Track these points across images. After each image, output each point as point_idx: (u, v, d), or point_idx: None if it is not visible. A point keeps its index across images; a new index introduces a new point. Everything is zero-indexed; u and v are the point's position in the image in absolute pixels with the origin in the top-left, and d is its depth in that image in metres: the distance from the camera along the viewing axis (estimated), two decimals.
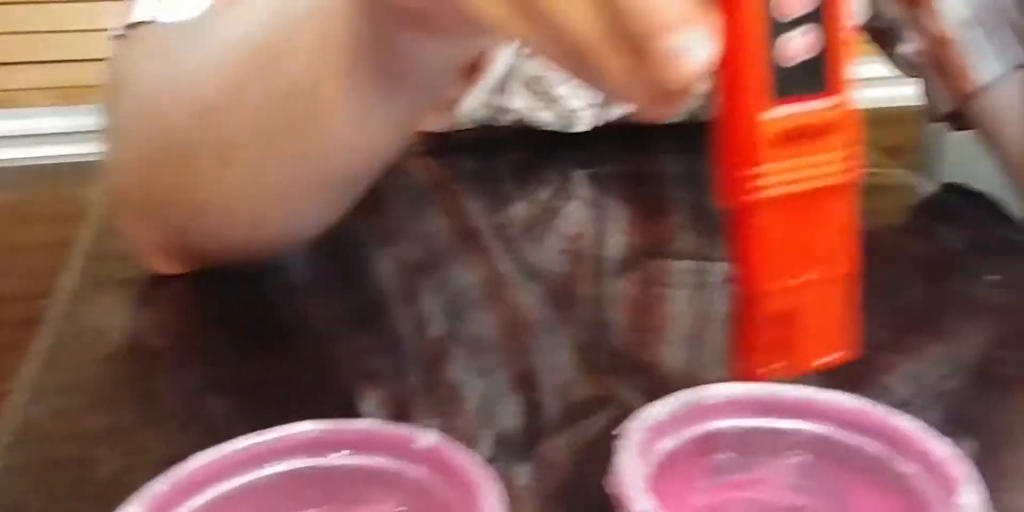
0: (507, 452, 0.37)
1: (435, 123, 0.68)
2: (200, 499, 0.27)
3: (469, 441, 0.37)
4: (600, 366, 0.44)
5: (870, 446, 0.30)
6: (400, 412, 0.40)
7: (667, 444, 0.30)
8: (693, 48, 0.22)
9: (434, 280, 0.52)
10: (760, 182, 0.23)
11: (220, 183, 0.43)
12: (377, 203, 0.61)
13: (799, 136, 0.22)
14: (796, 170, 0.23)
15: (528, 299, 0.50)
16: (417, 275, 0.53)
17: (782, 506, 0.31)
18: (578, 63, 0.24)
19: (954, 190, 0.66)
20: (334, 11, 0.36)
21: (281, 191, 0.43)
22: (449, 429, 0.38)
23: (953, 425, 0.37)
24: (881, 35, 0.67)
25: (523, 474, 0.35)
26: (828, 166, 0.23)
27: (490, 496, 0.26)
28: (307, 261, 0.53)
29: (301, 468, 0.28)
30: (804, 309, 0.24)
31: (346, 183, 0.44)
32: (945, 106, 0.61)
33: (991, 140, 0.59)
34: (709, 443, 0.30)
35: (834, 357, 0.25)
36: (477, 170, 0.66)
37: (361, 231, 0.57)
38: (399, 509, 0.28)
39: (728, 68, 0.22)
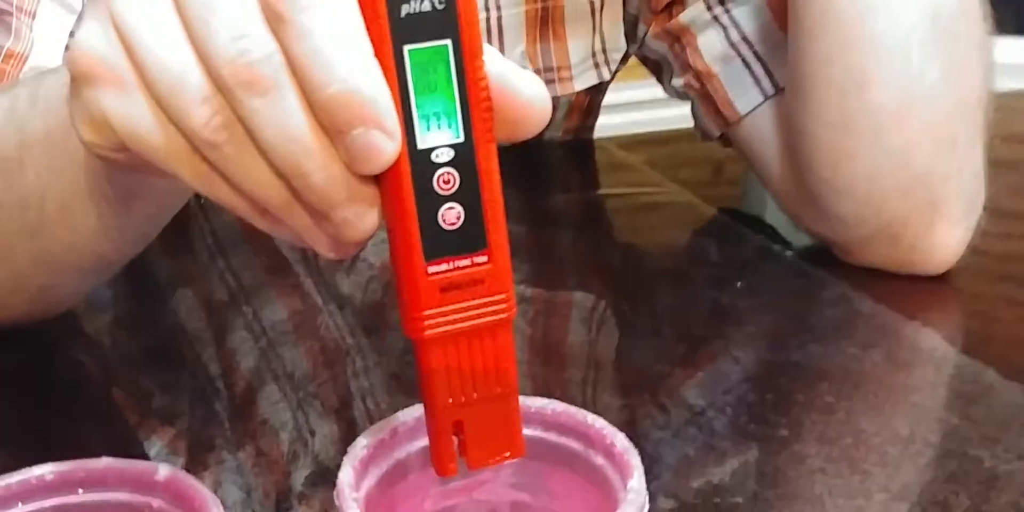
0: (324, 480, 0.40)
1: None
2: None
3: (284, 472, 0.40)
4: (415, 390, 0.47)
5: (570, 444, 0.34)
6: (200, 448, 0.42)
7: (397, 455, 0.34)
8: (361, 217, 0.27)
9: (242, 315, 0.54)
10: (427, 323, 0.28)
11: None
12: (182, 244, 0.63)
13: (458, 286, 0.28)
14: (458, 313, 0.28)
15: (340, 328, 0.52)
16: (224, 311, 0.55)
17: (505, 502, 0.35)
18: (267, 220, 0.29)
19: (729, 212, 0.72)
20: (71, 134, 0.36)
21: (21, 283, 0.44)
22: (261, 461, 0.41)
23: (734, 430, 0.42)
24: (652, 64, 0.73)
25: None
26: (486, 308, 0.28)
27: None
28: (102, 305, 0.55)
29: (47, 507, 0.31)
30: (472, 421, 0.30)
31: (92, 271, 0.45)
32: (713, 131, 0.67)
33: (753, 163, 0.65)
34: None
35: (503, 457, 0.31)
36: None
37: (164, 272, 0.59)
38: None
39: (394, 231, 0.27)
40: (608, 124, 0.85)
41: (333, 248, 0.29)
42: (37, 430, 0.44)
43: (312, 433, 0.43)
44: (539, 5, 0.68)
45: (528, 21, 0.67)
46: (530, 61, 0.70)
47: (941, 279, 0.57)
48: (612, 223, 0.71)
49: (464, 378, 0.29)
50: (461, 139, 0.27)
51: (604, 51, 0.72)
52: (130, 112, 0.28)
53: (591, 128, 0.83)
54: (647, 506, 0.30)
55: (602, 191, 0.75)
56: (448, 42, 0.26)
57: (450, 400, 0.29)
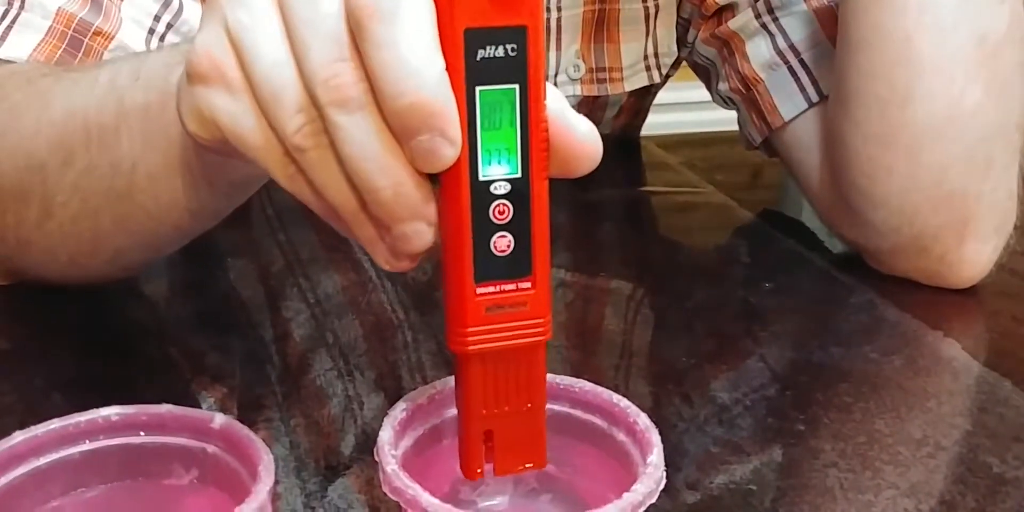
0: (366, 444, 0.41)
1: None
2: (18, 472, 0.31)
3: (328, 433, 0.42)
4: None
5: (595, 421, 0.36)
6: (249, 407, 0.44)
7: (433, 421, 0.36)
8: (419, 234, 0.30)
9: (297, 286, 0.57)
10: (470, 339, 0.30)
11: (42, 229, 0.46)
12: (241, 216, 0.66)
13: (502, 307, 0.30)
14: (499, 332, 0.30)
15: (391, 303, 0.55)
16: (279, 282, 0.57)
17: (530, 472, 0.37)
18: (339, 224, 0.32)
19: (768, 215, 0.74)
20: (167, 110, 0.39)
21: (100, 244, 0.47)
22: (310, 426, 0.43)
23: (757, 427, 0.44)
24: (702, 70, 0.75)
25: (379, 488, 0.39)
26: (525, 330, 0.31)
27: (267, 465, 0.31)
28: (160, 270, 0.57)
29: (111, 446, 0.33)
30: (501, 431, 0.32)
31: (167, 239, 0.47)
32: (756, 138, 0.69)
33: (793, 168, 0.67)
34: None
35: (526, 467, 0.33)
36: None
37: (224, 243, 0.62)
38: (192, 478, 0.33)
39: (449, 253, 0.30)
40: (650, 123, 0.87)
41: (389, 261, 0.31)
42: (93, 380, 0.47)
43: (359, 402, 0.46)
44: (596, 7, 0.69)
45: (585, 22, 0.69)
46: (583, 60, 0.72)
47: (967, 292, 0.58)
48: (649, 219, 0.73)
49: (499, 392, 0.31)
50: (519, 175, 0.29)
51: (656, 55, 0.74)
52: (235, 112, 0.31)
53: (639, 126, 0.85)
54: (664, 481, 0.32)
55: (642, 188, 0.76)
56: (516, 86, 0.28)
57: (484, 411, 0.31)
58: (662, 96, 0.85)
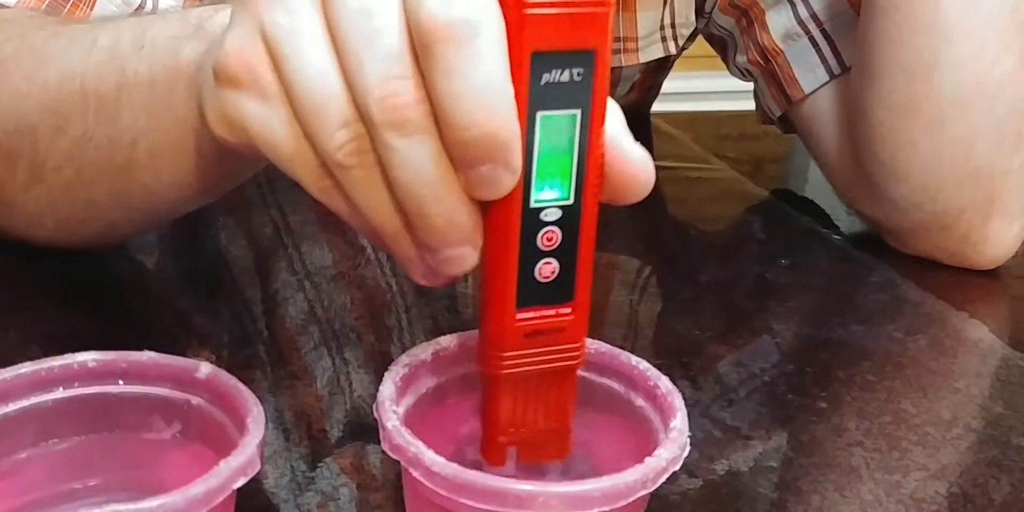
0: (358, 428, 0.39)
1: None
2: None
3: (319, 416, 0.40)
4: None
5: (611, 385, 0.33)
6: (234, 366, 0.41)
7: (436, 380, 0.33)
8: (464, 258, 0.28)
9: (284, 251, 0.54)
10: (506, 363, 0.29)
11: (29, 193, 0.43)
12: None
13: (540, 333, 0.29)
14: (534, 356, 0.30)
15: (386, 275, 0.52)
16: (271, 250, 0.54)
17: None
18: (376, 238, 0.30)
19: (780, 194, 0.71)
20: (175, 88, 0.36)
21: (92, 214, 0.44)
22: (295, 403, 0.40)
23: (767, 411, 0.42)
24: (718, 41, 0.72)
25: (374, 452, 0.37)
26: (560, 354, 0.30)
27: (256, 417, 0.29)
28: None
29: (87, 394, 0.31)
30: (523, 443, 0.31)
31: (163, 215, 0.45)
32: (775, 111, 0.66)
33: (811, 142, 0.64)
34: (473, 382, 0.34)
35: (547, 460, 0.33)
36: None
37: (216, 207, 0.59)
38: (175, 432, 0.31)
39: (491, 278, 0.28)
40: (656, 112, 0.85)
41: (427, 277, 0.30)
42: (72, 334, 0.44)
43: (351, 364, 0.43)
44: None
45: None
46: None
47: (991, 274, 0.56)
48: (659, 194, 0.70)
49: (526, 412, 0.31)
50: (571, 201, 0.28)
51: (673, 25, 0.71)
52: (268, 120, 0.28)
53: (650, 103, 0.82)
54: (688, 448, 0.30)
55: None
56: (578, 112, 0.27)
57: (510, 429, 0.31)
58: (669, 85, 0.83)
